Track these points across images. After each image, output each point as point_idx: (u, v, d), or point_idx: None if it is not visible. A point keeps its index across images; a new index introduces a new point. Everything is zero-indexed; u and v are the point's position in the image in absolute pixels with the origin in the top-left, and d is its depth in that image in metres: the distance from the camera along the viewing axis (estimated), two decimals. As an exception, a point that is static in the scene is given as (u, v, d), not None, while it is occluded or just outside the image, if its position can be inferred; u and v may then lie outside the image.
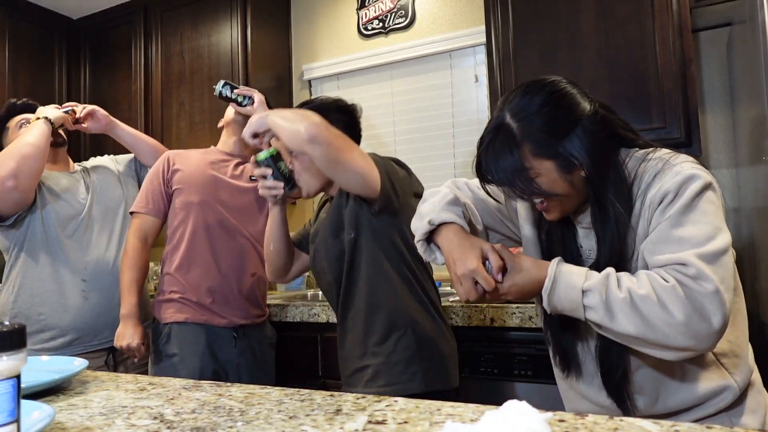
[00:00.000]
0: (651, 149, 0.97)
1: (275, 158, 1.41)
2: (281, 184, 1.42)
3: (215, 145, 1.99)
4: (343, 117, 1.48)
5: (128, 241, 1.83)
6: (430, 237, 1.05)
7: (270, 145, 1.42)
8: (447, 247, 0.98)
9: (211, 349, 1.77)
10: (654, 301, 0.81)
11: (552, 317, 1.01)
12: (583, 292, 0.86)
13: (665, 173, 0.90)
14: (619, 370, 0.95)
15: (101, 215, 1.96)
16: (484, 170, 0.95)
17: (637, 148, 0.98)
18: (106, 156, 2.17)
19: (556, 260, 0.90)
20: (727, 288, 0.82)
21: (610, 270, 0.87)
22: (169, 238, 1.85)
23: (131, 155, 2.15)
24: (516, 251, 0.97)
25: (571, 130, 0.91)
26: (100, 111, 2.03)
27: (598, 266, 0.91)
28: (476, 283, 0.91)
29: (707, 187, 0.87)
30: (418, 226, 1.06)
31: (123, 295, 1.77)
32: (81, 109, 1.99)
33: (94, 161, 2.12)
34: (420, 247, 1.07)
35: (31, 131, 1.78)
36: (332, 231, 1.42)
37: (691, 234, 0.84)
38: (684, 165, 0.90)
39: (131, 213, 1.88)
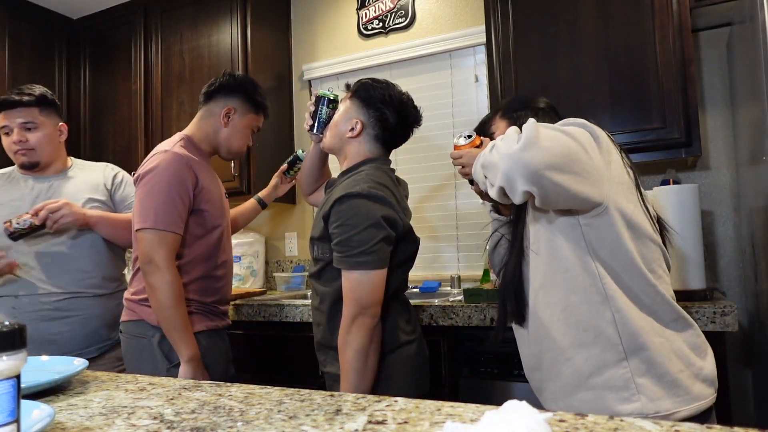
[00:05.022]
0: None
1: (325, 102, 1.56)
2: (311, 122, 1.58)
3: None
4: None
5: (165, 269, 1.50)
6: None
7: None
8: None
9: (227, 352, 1.75)
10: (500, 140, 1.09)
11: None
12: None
13: None
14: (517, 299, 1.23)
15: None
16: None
17: None
18: (107, 164, 2.00)
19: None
20: (544, 137, 1.01)
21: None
22: (186, 252, 1.62)
23: (121, 176, 1.96)
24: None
25: (524, 108, 1.38)
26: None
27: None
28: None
29: (581, 124, 1.13)
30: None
31: (181, 335, 1.51)
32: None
33: (88, 165, 1.97)
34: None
35: None
36: (318, 230, 1.42)
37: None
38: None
39: (161, 230, 1.52)
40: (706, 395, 1.10)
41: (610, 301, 1.09)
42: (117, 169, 2.00)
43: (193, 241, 1.61)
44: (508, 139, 1.04)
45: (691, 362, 1.10)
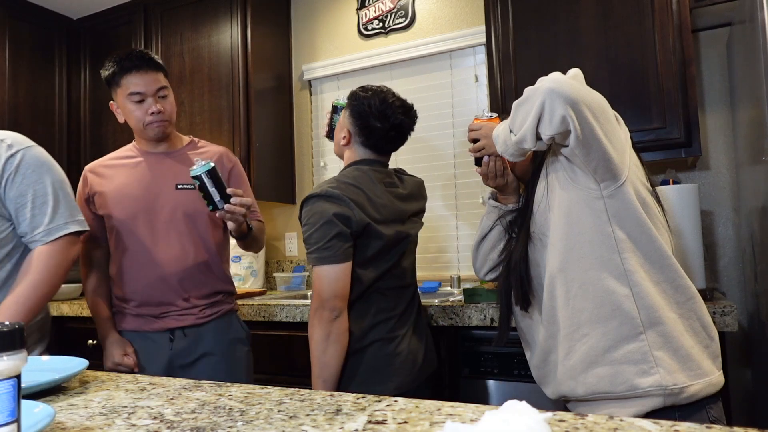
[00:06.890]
0: None
1: (338, 110, 1.70)
2: (326, 129, 1.76)
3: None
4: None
5: None
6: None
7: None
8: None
9: (171, 357, 1.63)
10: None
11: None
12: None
13: None
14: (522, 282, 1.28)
15: None
16: None
17: None
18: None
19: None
20: (570, 86, 1.05)
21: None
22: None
23: (19, 158, 1.32)
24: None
25: None
26: None
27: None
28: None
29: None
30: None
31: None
32: None
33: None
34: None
35: None
36: None
37: None
38: None
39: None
40: (713, 371, 1.13)
41: (627, 275, 1.12)
42: (22, 144, 1.35)
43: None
44: (555, 74, 1.09)
45: (701, 339, 1.14)
